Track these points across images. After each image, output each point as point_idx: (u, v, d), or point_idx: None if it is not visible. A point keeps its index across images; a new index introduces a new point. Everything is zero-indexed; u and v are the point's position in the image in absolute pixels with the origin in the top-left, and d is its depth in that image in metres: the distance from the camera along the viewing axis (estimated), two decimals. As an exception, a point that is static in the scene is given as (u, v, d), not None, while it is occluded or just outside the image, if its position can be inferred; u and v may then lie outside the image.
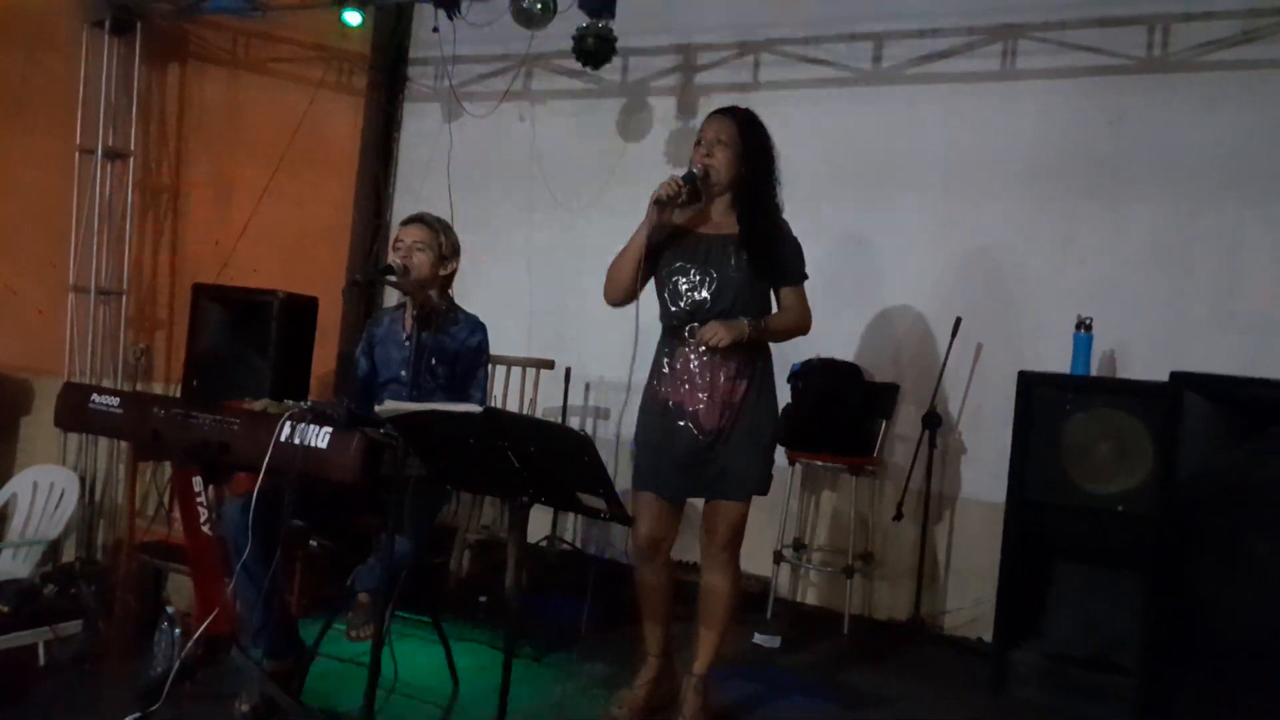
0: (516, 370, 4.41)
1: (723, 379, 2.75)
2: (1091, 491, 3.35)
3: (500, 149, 5.08)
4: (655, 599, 2.94)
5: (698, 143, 2.84)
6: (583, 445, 2.19)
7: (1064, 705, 3.31)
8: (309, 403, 2.59)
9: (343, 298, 2.69)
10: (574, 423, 4.64)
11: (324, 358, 4.51)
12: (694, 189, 2.79)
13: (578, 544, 4.77)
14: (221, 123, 4.83)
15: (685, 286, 2.79)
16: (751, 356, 2.79)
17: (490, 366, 4.14)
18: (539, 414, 4.43)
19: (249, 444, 2.53)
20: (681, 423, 2.79)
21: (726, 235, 2.81)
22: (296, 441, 2.48)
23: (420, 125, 5.35)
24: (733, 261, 2.77)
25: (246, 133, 4.87)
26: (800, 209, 4.08)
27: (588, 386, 4.72)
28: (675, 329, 2.83)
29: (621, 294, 2.82)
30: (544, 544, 4.57)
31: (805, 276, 2.86)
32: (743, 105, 2.95)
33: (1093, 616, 3.48)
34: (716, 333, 2.68)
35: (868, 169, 4.34)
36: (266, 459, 2.47)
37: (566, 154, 4.97)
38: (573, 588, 4.05)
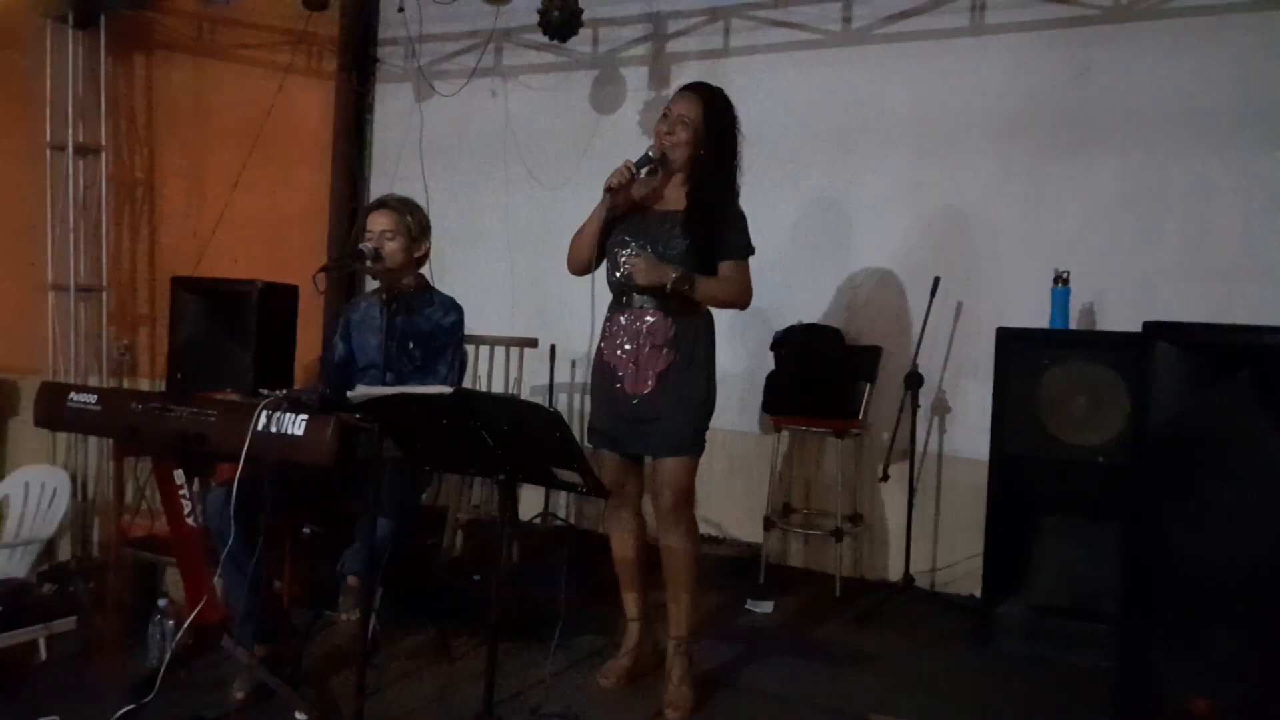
0: (500, 349, 4.42)
1: (649, 348, 2.79)
2: (1071, 444, 3.38)
3: (473, 127, 5.05)
4: (628, 562, 3.00)
5: (665, 115, 2.86)
6: (553, 422, 2.21)
7: (1046, 655, 3.35)
8: (285, 391, 2.60)
9: (314, 284, 2.68)
10: (561, 400, 4.65)
11: (309, 345, 4.50)
12: (653, 168, 2.83)
13: (571, 520, 4.80)
14: (191, 112, 4.80)
15: (622, 259, 2.83)
16: (683, 329, 2.80)
17: (475, 346, 4.15)
18: (525, 393, 4.44)
19: (226, 434, 2.55)
20: (618, 384, 2.85)
21: (673, 212, 2.84)
22: (273, 430, 2.50)
23: (393, 106, 5.32)
24: (673, 238, 2.79)
25: (217, 121, 4.84)
26: (775, 174, 4.11)
27: (573, 364, 4.71)
28: (615, 296, 2.90)
29: (581, 266, 2.92)
30: (537, 521, 4.60)
31: (750, 251, 2.85)
32: (716, 72, 2.95)
33: (1075, 567, 3.51)
34: (637, 265, 2.73)
35: (841, 131, 4.32)
36: (245, 448, 2.49)
37: (540, 129, 4.94)
38: (566, 564, 4.10)
